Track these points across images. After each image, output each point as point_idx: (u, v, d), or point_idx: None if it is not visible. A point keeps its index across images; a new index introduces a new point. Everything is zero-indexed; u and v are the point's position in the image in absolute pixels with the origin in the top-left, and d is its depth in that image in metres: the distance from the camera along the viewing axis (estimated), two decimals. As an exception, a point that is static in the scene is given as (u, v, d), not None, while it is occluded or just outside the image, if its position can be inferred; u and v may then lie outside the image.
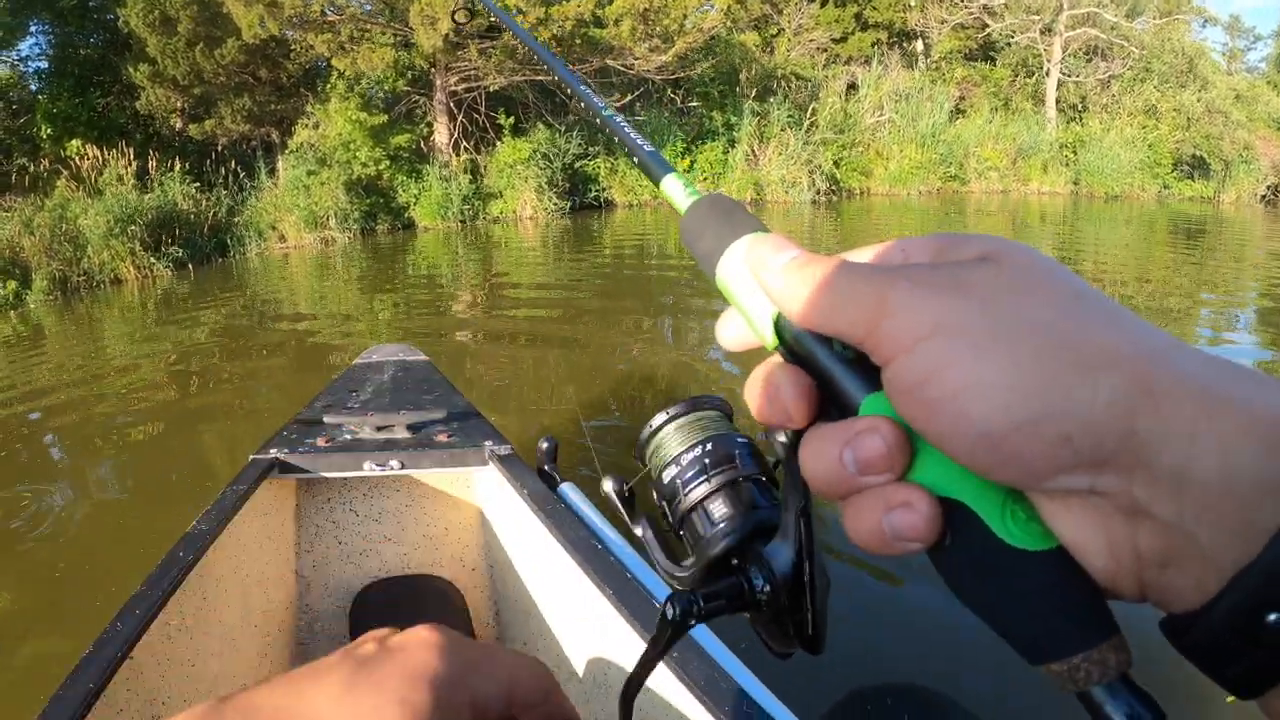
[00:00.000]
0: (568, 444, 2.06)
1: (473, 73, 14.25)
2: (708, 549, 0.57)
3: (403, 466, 1.90)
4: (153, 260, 9.74)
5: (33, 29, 13.66)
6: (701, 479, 0.55)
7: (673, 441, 0.60)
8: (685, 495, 0.56)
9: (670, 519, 0.59)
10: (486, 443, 1.96)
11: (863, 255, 0.31)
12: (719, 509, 0.59)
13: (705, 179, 16.72)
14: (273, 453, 1.88)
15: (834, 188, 18.01)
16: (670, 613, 0.49)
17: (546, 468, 1.96)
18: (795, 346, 0.31)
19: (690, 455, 0.54)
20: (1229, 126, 19.44)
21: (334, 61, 12.68)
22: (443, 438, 1.99)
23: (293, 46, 13.11)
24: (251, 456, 1.88)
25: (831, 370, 0.29)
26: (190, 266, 10.25)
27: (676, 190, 0.42)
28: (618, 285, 8.79)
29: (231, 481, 1.77)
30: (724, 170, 16.91)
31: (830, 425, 0.28)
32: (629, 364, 5.41)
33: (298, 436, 1.98)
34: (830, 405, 0.30)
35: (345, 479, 2.06)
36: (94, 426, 4.60)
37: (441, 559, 2.17)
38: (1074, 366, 0.23)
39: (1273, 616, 0.20)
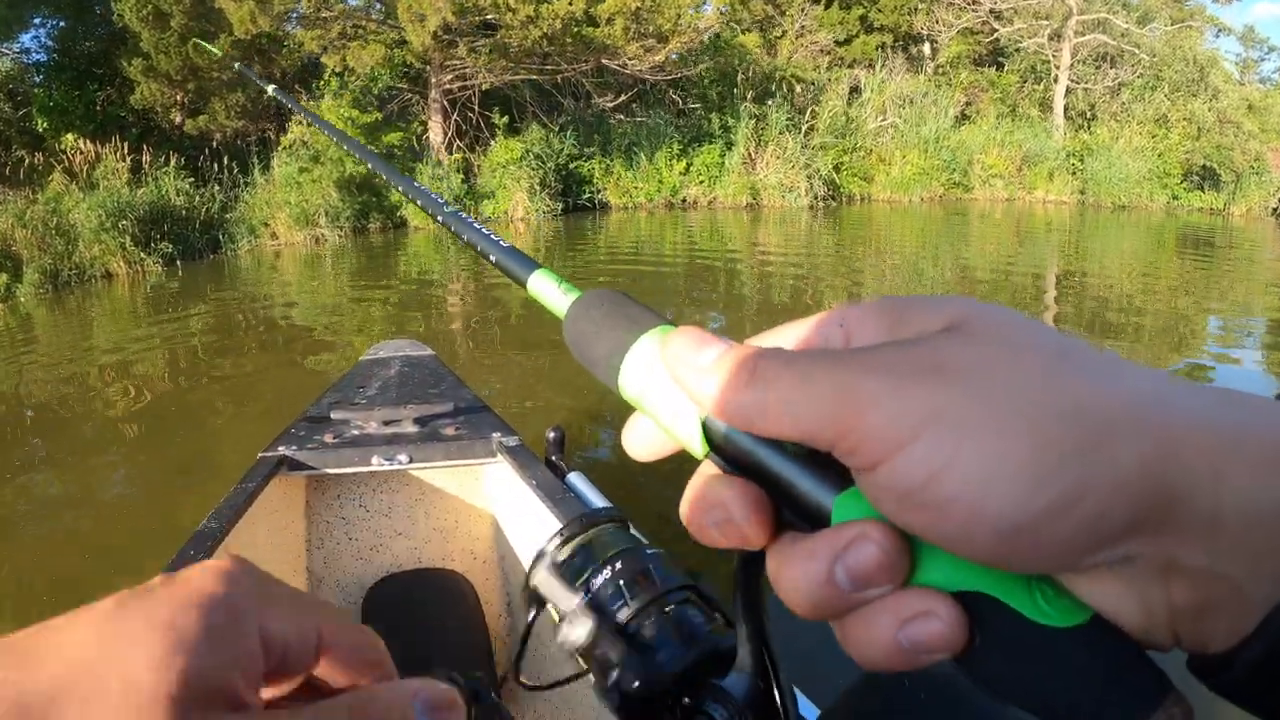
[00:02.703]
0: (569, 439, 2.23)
1: (466, 70, 14.63)
2: (648, 685, 0.53)
3: (411, 460, 1.96)
4: (143, 255, 10.12)
5: (35, 21, 14.09)
6: (619, 603, 0.50)
7: (574, 567, 0.55)
8: (600, 626, 0.50)
9: (584, 662, 0.53)
10: (494, 434, 2.02)
11: (790, 336, 0.29)
12: (649, 636, 0.55)
13: (702, 182, 17.10)
14: (280, 450, 1.94)
15: (833, 193, 18.30)
16: None
17: (554, 458, 2.01)
18: (735, 453, 0.27)
19: (600, 578, 0.48)
20: (1240, 137, 19.72)
21: (324, 59, 13.10)
22: (450, 431, 2.05)
23: (285, 43, 13.54)
24: (259, 454, 1.93)
25: (787, 475, 0.26)
26: (179, 262, 10.60)
27: (549, 289, 0.39)
28: (611, 287, 9.03)
29: (240, 479, 1.81)
30: (720, 174, 17.25)
31: (805, 539, 0.26)
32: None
33: (305, 433, 2.04)
34: (789, 513, 0.27)
35: (354, 474, 2.11)
36: (84, 420, 4.85)
37: (453, 552, 2.21)
38: (1086, 435, 0.21)
39: None
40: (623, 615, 0.55)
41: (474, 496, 2.22)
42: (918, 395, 0.23)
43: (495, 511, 2.20)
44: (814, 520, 0.26)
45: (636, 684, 0.51)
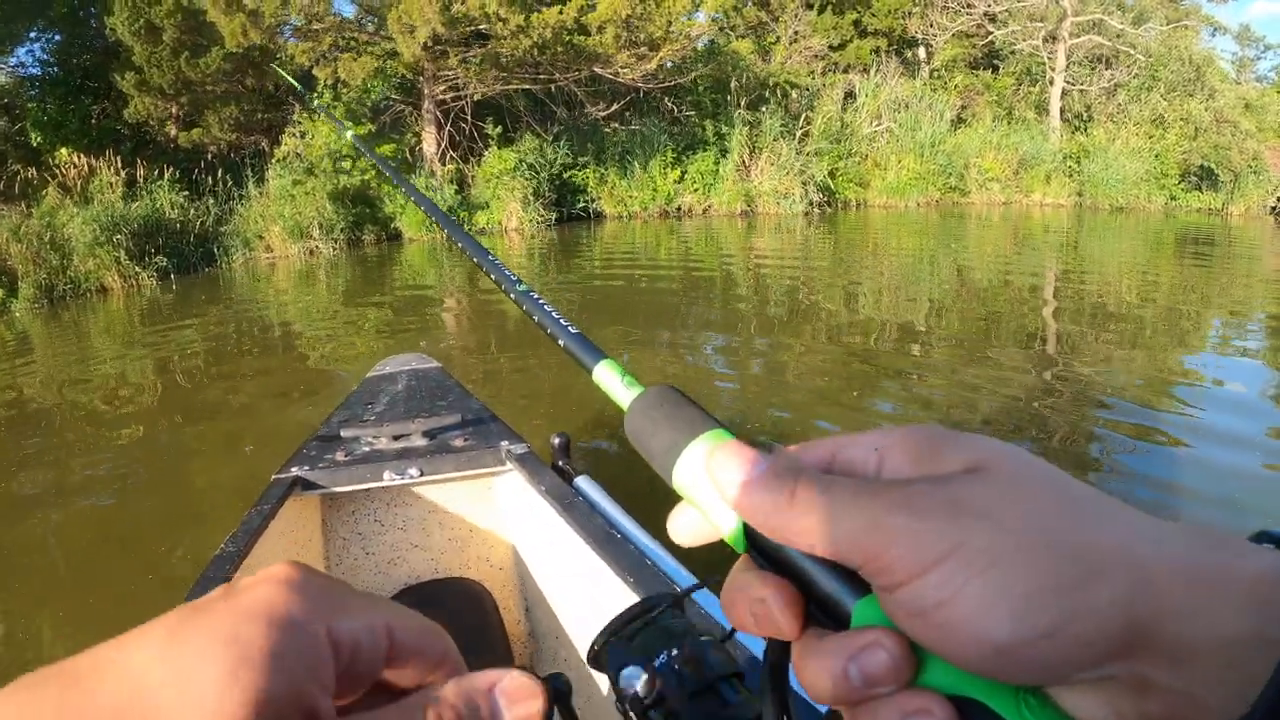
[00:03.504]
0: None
1: (459, 81, 14.79)
2: None
3: (422, 474, 2.00)
4: (138, 269, 10.26)
5: (30, 35, 14.29)
6: (675, 684, 0.55)
7: (637, 646, 0.60)
8: (654, 699, 0.56)
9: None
10: (503, 443, 2.07)
11: (825, 452, 0.32)
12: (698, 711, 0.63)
13: (696, 190, 17.25)
14: (294, 471, 1.97)
15: (828, 199, 18.44)
16: None
17: (561, 463, 2.09)
18: (771, 554, 0.31)
19: (660, 660, 0.52)
20: (1238, 136, 19.86)
21: (315, 71, 13.22)
22: (459, 442, 2.10)
23: (278, 55, 13.67)
24: (273, 476, 1.98)
25: (817, 579, 0.30)
26: (174, 276, 10.75)
27: (613, 381, 0.41)
28: (606, 297, 9.15)
29: (255, 502, 1.84)
30: (715, 181, 17.38)
31: (828, 638, 0.29)
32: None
33: (317, 453, 2.08)
34: (815, 610, 0.30)
35: (367, 490, 2.14)
36: (80, 434, 4.94)
37: (469, 561, 2.26)
38: (1076, 574, 0.25)
39: None
40: (675, 695, 0.65)
41: (486, 505, 2.26)
42: (938, 531, 0.27)
43: (508, 519, 2.24)
44: (837, 619, 0.30)
45: None
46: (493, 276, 0.61)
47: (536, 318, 0.50)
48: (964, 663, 0.26)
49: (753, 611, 0.31)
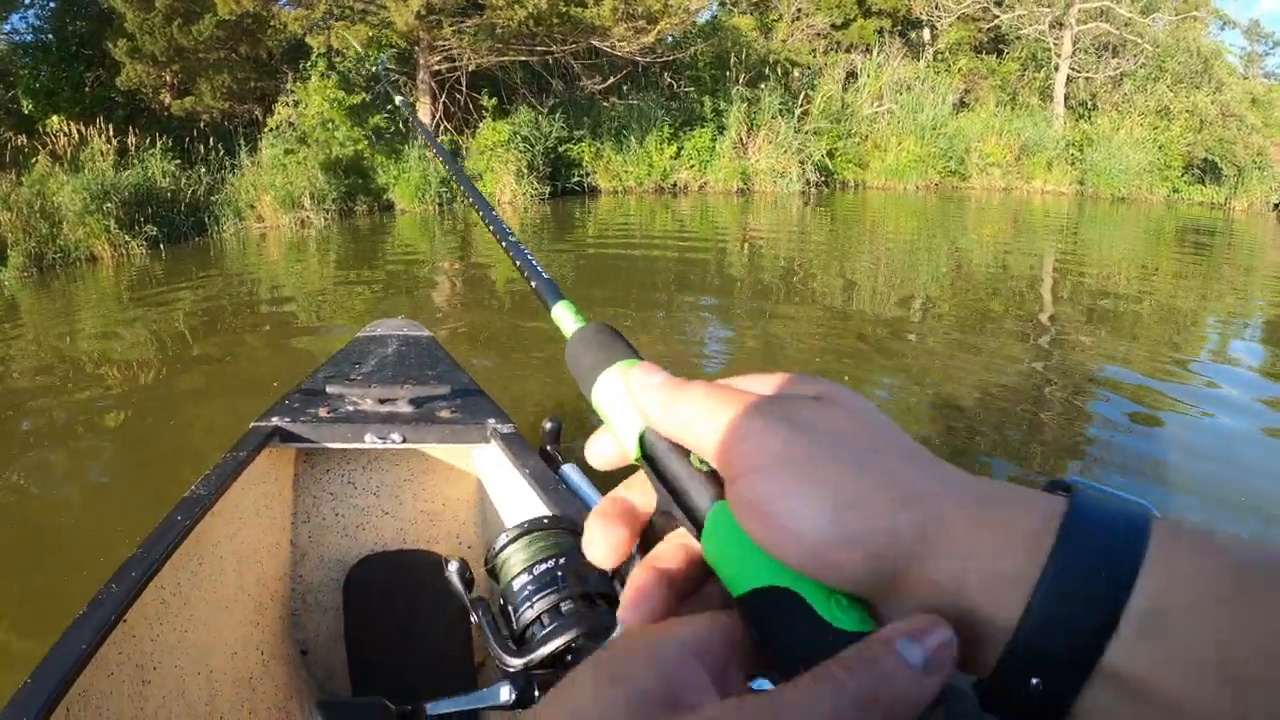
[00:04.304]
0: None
1: (454, 52, 14.82)
2: (554, 636, 0.65)
3: (404, 440, 1.98)
4: (127, 238, 10.33)
5: (27, 1, 14.28)
6: (551, 589, 0.60)
7: (524, 554, 0.65)
8: (535, 601, 0.60)
9: (514, 624, 0.64)
10: (490, 420, 2.04)
11: (735, 382, 0.38)
12: (567, 609, 0.69)
13: (692, 166, 17.32)
14: (273, 420, 1.95)
15: (826, 179, 18.53)
16: (507, 695, 0.57)
17: (549, 448, 2.08)
18: (656, 459, 0.37)
19: (543, 567, 0.57)
20: (1243, 131, 19.77)
21: (308, 39, 13.26)
22: (445, 413, 2.06)
23: (271, 23, 13.68)
24: (252, 424, 1.96)
25: (688, 486, 0.35)
26: (164, 246, 10.78)
27: (565, 317, 0.48)
28: (600, 273, 9.23)
29: (231, 448, 1.83)
30: (711, 158, 17.46)
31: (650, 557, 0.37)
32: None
33: (299, 406, 2.05)
34: (682, 514, 0.36)
35: (345, 450, 2.14)
36: (68, 403, 5.00)
37: (438, 535, 2.23)
38: (885, 496, 0.30)
39: (1035, 680, 0.27)
40: (552, 598, 0.71)
41: (464, 481, 2.25)
42: (773, 434, 0.32)
43: (484, 497, 2.22)
44: (693, 518, 0.35)
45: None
46: (490, 227, 0.68)
47: (518, 262, 0.58)
48: (783, 557, 0.31)
49: (610, 519, 0.39)
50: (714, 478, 0.35)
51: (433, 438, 2.01)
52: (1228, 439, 4.45)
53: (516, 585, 0.75)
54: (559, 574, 0.72)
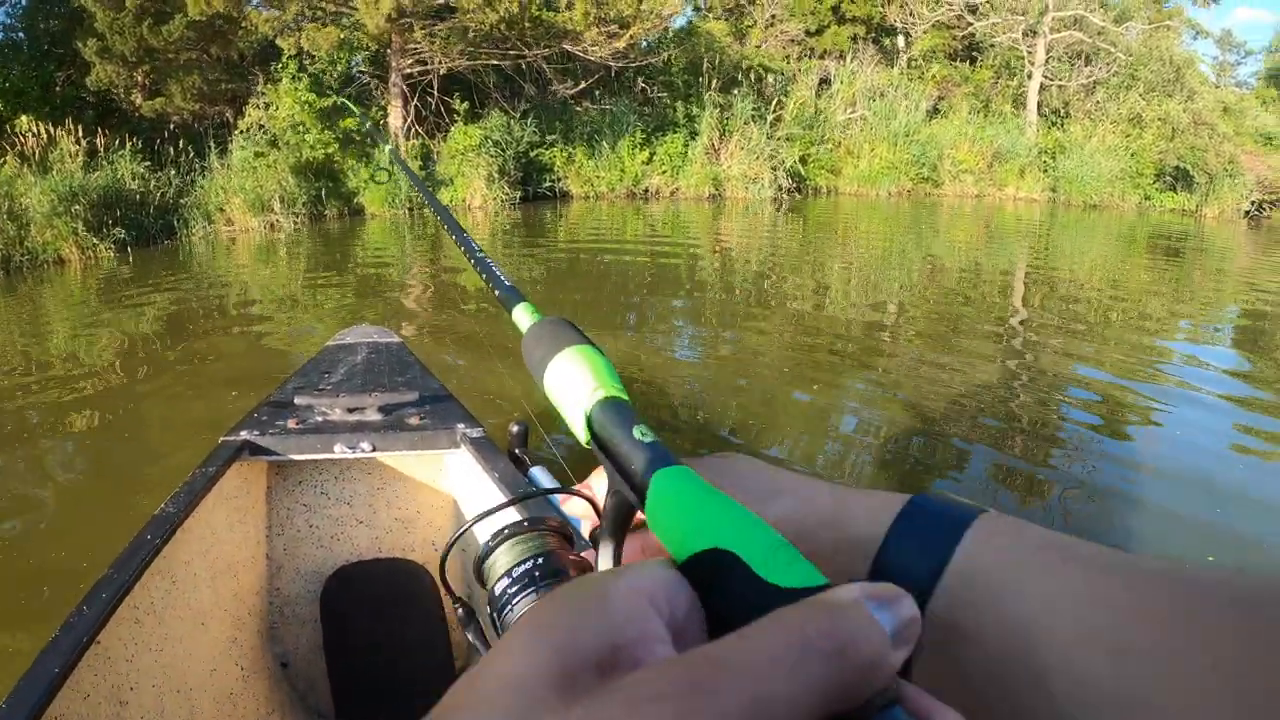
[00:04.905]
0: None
1: (426, 55, 14.97)
2: None
3: (374, 449, 1.99)
4: (95, 241, 10.39)
5: None
6: (531, 589, 0.65)
7: (506, 557, 0.71)
8: (515, 603, 0.65)
9: (499, 629, 0.70)
10: (459, 425, 2.05)
11: None
12: None
13: (664, 172, 17.54)
14: (243, 434, 1.95)
15: (798, 186, 18.78)
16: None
17: (517, 451, 2.06)
18: (601, 437, 0.39)
19: (521, 569, 0.59)
20: (1215, 139, 20.12)
21: (279, 41, 13.38)
22: (414, 420, 2.08)
23: (242, 24, 13.77)
24: (221, 439, 1.95)
25: (627, 455, 0.37)
26: (131, 249, 10.82)
27: (523, 316, 0.52)
28: (571, 279, 9.32)
29: (201, 464, 1.82)
30: (683, 164, 17.66)
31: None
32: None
33: (268, 418, 2.06)
34: (624, 488, 0.38)
35: (316, 461, 2.13)
36: (34, 407, 4.94)
37: (413, 542, 2.24)
38: (767, 491, 0.42)
39: None
40: (530, 600, 0.70)
41: (436, 487, 2.26)
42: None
43: (457, 502, 2.23)
44: (635, 486, 0.37)
45: None
46: (456, 240, 0.71)
47: (484, 275, 0.61)
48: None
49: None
50: (655, 448, 0.37)
51: (402, 445, 2.03)
52: (1194, 434, 4.62)
53: (498, 590, 0.70)
54: (537, 574, 0.66)
